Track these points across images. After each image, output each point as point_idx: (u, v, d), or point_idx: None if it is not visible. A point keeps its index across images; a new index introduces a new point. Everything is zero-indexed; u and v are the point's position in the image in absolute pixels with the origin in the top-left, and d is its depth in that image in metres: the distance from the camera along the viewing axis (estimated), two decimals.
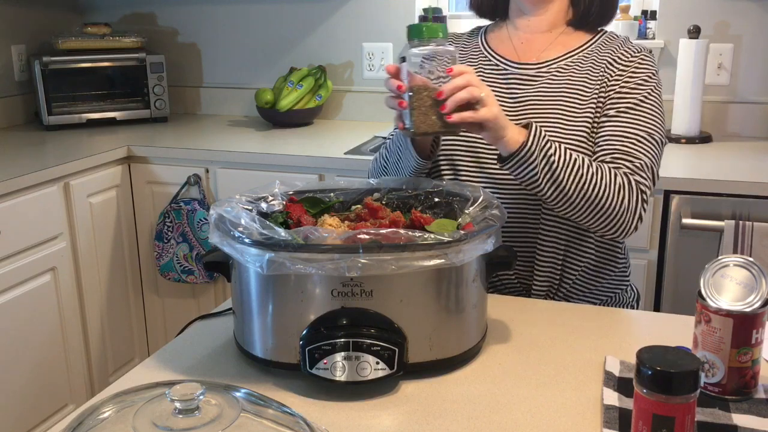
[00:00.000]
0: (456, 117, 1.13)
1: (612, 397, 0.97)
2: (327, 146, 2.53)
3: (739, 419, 0.92)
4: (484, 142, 1.34)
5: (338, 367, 0.98)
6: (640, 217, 1.29)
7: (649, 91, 1.33)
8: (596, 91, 1.34)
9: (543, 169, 1.20)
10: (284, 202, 1.20)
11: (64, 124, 2.86)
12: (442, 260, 0.97)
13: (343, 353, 0.98)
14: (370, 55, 2.93)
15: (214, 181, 2.51)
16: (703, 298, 0.97)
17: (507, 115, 1.35)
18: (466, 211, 1.14)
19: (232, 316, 1.13)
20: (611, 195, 1.25)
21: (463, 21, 2.89)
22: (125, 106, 2.96)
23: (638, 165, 1.29)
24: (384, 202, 1.22)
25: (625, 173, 1.27)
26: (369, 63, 2.93)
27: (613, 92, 1.33)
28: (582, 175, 1.23)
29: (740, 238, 1.94)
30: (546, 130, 1.30)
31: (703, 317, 0.97)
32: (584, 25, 1.40)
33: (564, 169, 1.21)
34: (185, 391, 0.67)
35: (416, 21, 2.84)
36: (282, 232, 0.98)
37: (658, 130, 1.32)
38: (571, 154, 1.23)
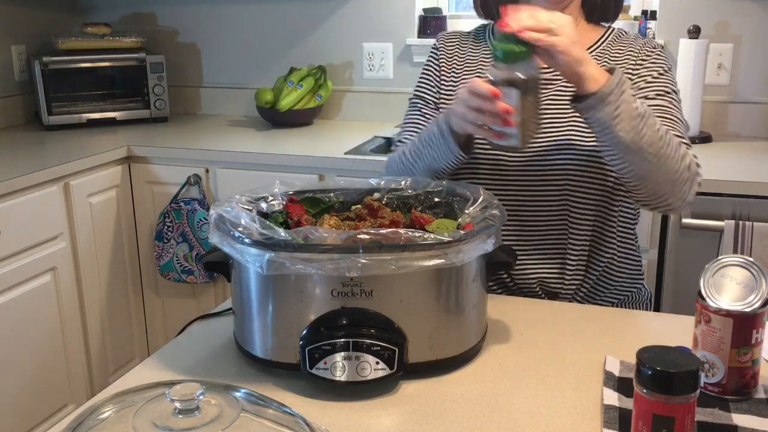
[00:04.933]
0: (528, 35, 1.10)
1: (612, 397, 0.97)
2: (327, 146, 2.53)
3: (739, 419, 0.92)
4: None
5: (338, 367, 0.98)
6: (693, 192, 1.27)
7: (671, 81, 1.34)
8: None
9: (619, 113, 1.14)
10: (284, 202, 1.20)
11: (64, 124, 2.86)
12: (442, 260, 0.97)
13: (343, 353, 0.98)
14: (370, 55, 2.93)
15: (214, 181, 2.51)
16: (703, 298, 0.97)
17: None
18: (466, 211, 1.14)
19: (232, 316, 1.12)
20: (677, 156, 1.22)
21: (463, 21, 2.89)
22: (125, 106, 2.96)
23: (686, 142, 1.28)
24: (384, 202, 1.22)
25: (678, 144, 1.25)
26: (369, 63, 2.93)
27: (640, 81, 1.33)
28: (657, 128, 1.18)
29: (740, 238, 1.94)
30: (566, 132, 1.29)
31: (703, 317, 0.97)
32: (593, 19, 1.41)
33: (639, 118, 1.16)
34: (185, 391, 0.67)
35: (416, 18, 2.84)
36: (282, 232, 0.98)
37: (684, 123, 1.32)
38: (644, 105, 1.18)
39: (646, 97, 1.31)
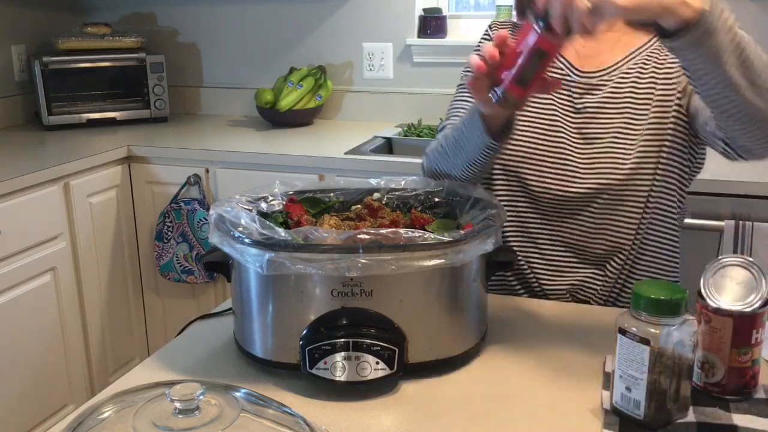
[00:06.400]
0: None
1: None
2: (327, 146, 2.53)
3: (739, 419, 0.92)
4: (551, 157, 1.29)
5: (338, 367, 0.98)
6: None
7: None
8: (666, 90, 1.27)
9: (727, 43, 0.93)
10: (284, 202, 1.20)
11: (64, 124, 2.86)
12: (442, 260, 0.97)
13: (343, 353, 0.98)
14: (370, 55, 2.93)
15: (214, 181, 2.51)
16: (703, 298, 0.97)
17: (567, 125, 1.30)
18: (467, 212, 1.14)
19: (232, 316, 1.13)
20: None
21: (463, 21, 2.89)
22: (125, 106, 2.96)
23: None
24: (384, 202, 1.22)
25: None
26: (369, 63, 2.93)
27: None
28: (759, 54, 0.99)
29: (740, 238, 1.94)
30: (611, 143, 1.24)
31: (703, 317, 0.97)
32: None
33: (748, 44, 0.96)
34: (185, 391, 0.67)
35: (416, 18, 2.84)
36: (282, 232, 0.98)
37: None
38: (742, 32, 0.97)
39: None
